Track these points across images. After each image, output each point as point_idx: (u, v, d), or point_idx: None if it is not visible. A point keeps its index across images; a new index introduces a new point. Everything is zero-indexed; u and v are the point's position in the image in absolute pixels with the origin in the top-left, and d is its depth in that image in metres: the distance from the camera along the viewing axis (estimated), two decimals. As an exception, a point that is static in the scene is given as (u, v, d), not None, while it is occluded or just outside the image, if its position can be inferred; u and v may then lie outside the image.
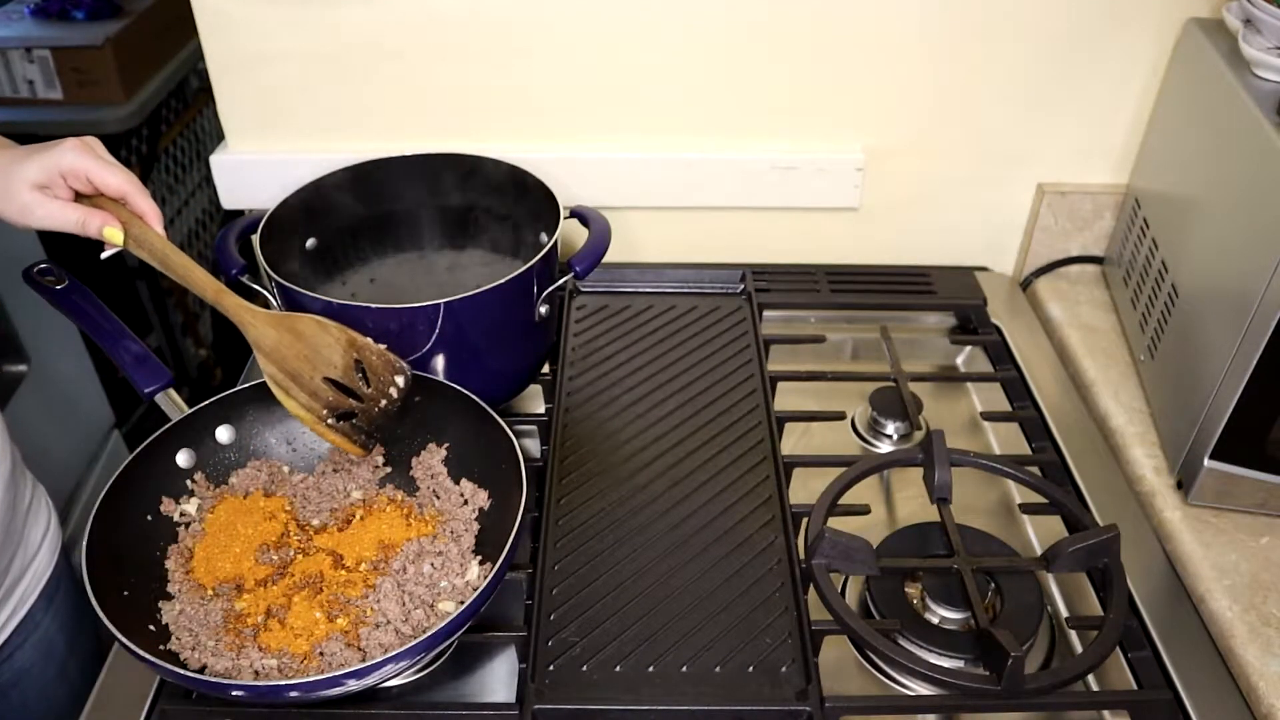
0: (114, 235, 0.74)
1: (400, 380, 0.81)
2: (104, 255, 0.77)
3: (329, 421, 0.78)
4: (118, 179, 0.74)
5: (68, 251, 1.24)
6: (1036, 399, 0.98)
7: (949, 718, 0.74)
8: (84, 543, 0.70)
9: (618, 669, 0.72)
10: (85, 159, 0.73)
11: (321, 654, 0.68)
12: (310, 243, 0.99)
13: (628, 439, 0.91)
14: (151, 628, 0.71)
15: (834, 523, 0.79)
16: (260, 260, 0.89)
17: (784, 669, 0.71)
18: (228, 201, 1.12)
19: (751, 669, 0.72)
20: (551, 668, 0.72)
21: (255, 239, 0.92)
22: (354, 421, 0.79)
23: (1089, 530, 0.78)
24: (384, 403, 0.81)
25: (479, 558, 0.76)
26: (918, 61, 1.04)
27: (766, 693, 0.70)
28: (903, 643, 0.74)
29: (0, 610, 0.84)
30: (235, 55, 1.04)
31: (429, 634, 0.64)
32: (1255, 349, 0.75)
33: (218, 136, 1.10)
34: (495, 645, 0.76)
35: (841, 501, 0.83)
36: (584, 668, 0.72)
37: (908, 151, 1.10)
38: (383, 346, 0.80)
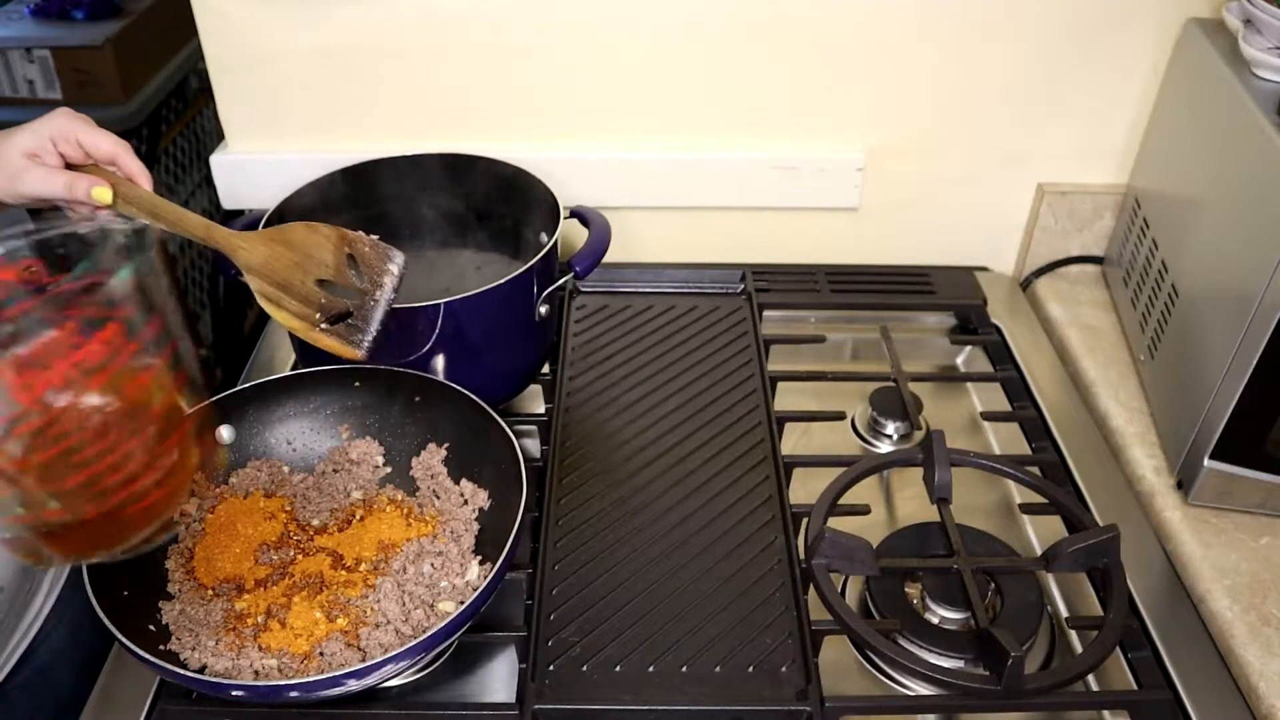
0: (103, 194, 0.74)
1: (394, 268, 0.77)
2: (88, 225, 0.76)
3: (322, 326, 0.76)
4: (107, 141, 0.76)
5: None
6: (1036, 399, 0.98)
7: (949, 718, 0.74)
8: (84, 543, 0.70)
9: (618, 669, 0.72)
10: (75, 122, 0.75)
11: (321, 654, 0.69)
12: (310, 243, 0.99)
13: (628, 439, 0.91)
14: (151, 628, 0.71)
15: (834, 523, 0.79)
16: (260, 260, 0.89)
17: (784, 669, 0.71)
18: (228, 201, 1.12)
19: (751, 669, 0.72)
20: (551, 668, 0.72)
21: (255, 239, 0.92)
22: (349, 321, 0.77)
23: (1089, 530, 0.78)
24: (379, 294, 0.77)
25: (479, 558, 0.76)
26: (918, 61, 1.04)
27: (766, 693, 0.70)
28: (903, 643, 0.74)
29: (38, 590, 0.85)
30: (235, 55, 1.04)
31: (429, 634, 0.64)
32: (1255, 349, 0.75)
33: (218, 136, 1.10)
34: (495, 645, 0.76)
35: (841, 501, 0.83)
36: (584, 668, 0.72)
37: (908, 151, 1.10)
38: (374, 237, 0.78)
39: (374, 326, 0.76)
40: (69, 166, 0.76)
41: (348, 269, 0.77)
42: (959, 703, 0.71)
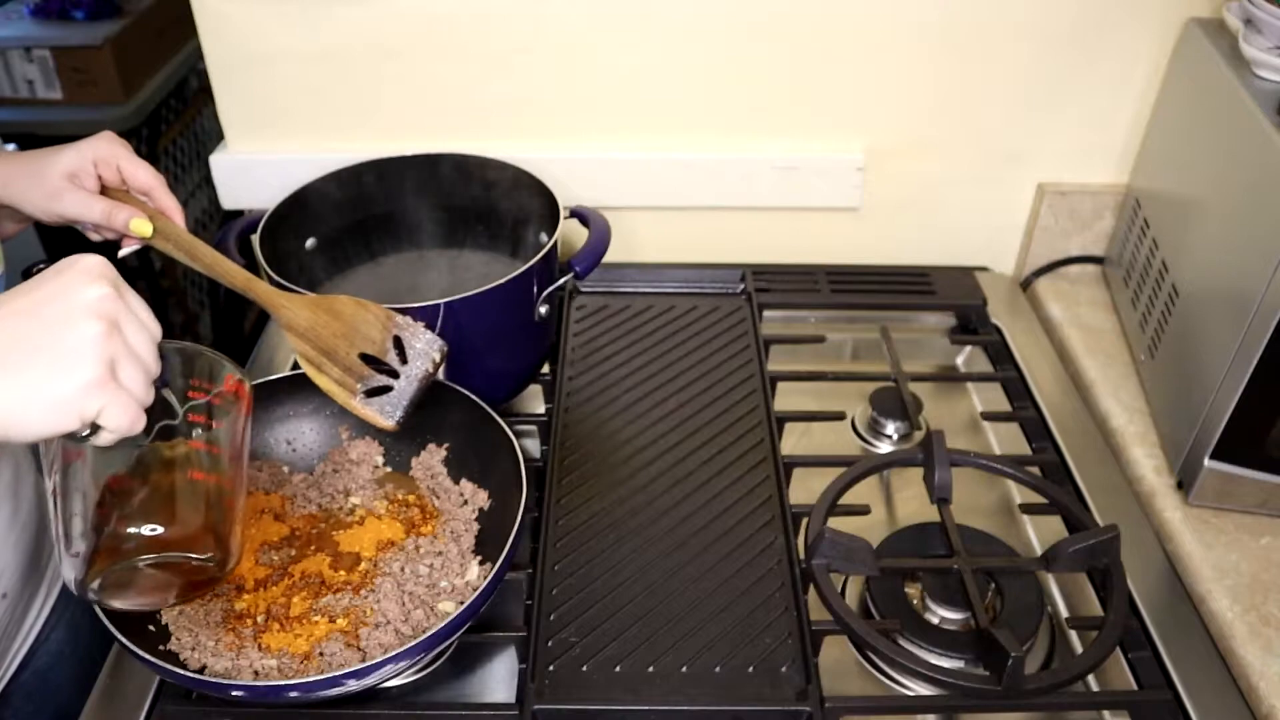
0: (141, 227, 0.75)
1: (436, 355, 0.79)
2: (122, 253, 0.78)
3: (360, 397, 0.78)
4: (145, 173, 0.77)
5: (68, 252, 1.24)
6: (1036, 399, 0.98)
7: (949, 718, 0.74)
8: (84, 543, 0.69)
9: (618, 669, 0.72)
10: (117, 148, 0.76)
11: (321, 654, 0.68)
12: (310, 243, 0.99)
13: (628, 439, 0.91)
14: (151, 628, 0.71)
15: (834, 523, 0.79)
16: (260, 260, 0.89)
17: (784, 669, 0.71)
18: (227, 201, 1.12)
19: (751, 669, 0.72)
20: (551, 668, 0.72)
21: (255, 239, 0.92)
22: (386, 396, 0.78)
23: (1089, 530, 0.78)
24: (417, 375, 0.79)
25: (479, 558, 0.76)
26: (918, 61, 1.04)
27: (766, 693, 0.70)
28: (903, 643, 0.74)
29: (38, 593, 0.85)
30: (235, 55, 1.04)
31: (429, 634, 0.64)
32: (1255, 349, 0.75)
33: (218, 136, 1.10)
34: (495, 645, 0.76)
35: (841, 501, 0.83)
36: (584, 668, 0.72)
37: (908, 151, 1.10)
38: (421, 324, 0.79)
39: (408, 404, 0.78)
40: (102, 190, 0.77)
41: (393, 350, 0.78)
42: (959, 703, 0.71)
